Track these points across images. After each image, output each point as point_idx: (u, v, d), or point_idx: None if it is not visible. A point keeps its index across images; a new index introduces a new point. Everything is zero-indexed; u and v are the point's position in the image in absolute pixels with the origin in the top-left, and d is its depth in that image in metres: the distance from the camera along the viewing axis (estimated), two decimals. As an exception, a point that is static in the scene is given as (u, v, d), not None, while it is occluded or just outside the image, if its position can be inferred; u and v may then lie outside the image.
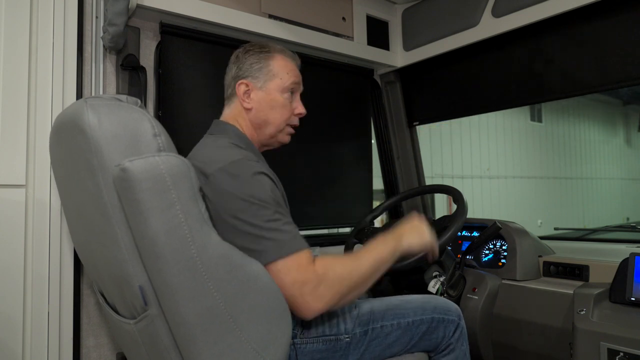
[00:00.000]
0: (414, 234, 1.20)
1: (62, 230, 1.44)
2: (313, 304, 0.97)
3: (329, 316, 1.16)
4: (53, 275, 1.42)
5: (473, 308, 1.53)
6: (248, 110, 1.22)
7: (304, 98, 1.32)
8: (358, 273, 1.04)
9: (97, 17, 1.55)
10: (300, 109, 1.27)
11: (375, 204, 2.13)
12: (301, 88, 1.29)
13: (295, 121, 1.28)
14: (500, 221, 1.69)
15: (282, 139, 1.28)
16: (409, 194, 1.90)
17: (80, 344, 1.49)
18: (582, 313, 1.27)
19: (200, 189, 0.90)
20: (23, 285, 1.37)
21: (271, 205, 0.98)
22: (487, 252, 1.78)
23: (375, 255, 1.09)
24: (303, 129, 1.35)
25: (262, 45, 1.25)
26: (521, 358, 1.50)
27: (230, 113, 1.24)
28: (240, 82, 1.21)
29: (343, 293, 1.01)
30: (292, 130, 1.29)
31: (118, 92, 1.59)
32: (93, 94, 1.52)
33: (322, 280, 0.97)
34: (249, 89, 1.21)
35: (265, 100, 1.21)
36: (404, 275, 1.67)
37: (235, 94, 1.22)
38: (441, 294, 1.52)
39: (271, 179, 1.04)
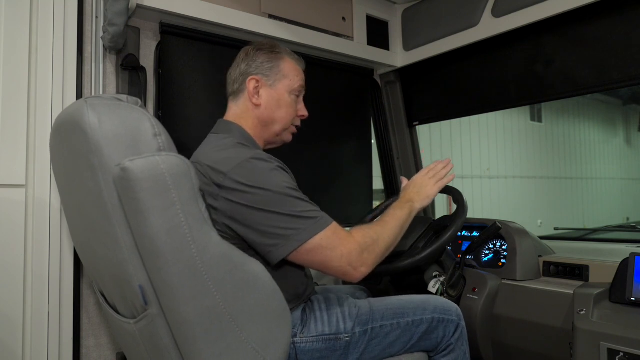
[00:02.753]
0: (421, 196, 1.33)
1: (62, 230, 1.44)
2: (361, 269, 1.08)
3: (328, 315, 1.16)
4: (53, 275, 1.42)
5: (473, 308, 1.53)
6: (257, 106, 1.24)
7: (304, 97, 1.34)
8: (388, 236, 1.17)
9: (97, 17, 1.55)
10: (303, 111, 1.33)
11: (375, 204, 2.13)
12: (304, 92, 1.34)
13: (298, 122, 1.34)
14: (500, 221, 1.69)
15: (285, 138, 1.33)
16: (409, 194, 1.90)
17: (80, 344, 1.49)
18: (582, 313, 1.27)
19: (201, 189, 0.90)
20: (23, 285, 1.37)
21: (296, 192, 1.06)
22: (487, 252, 1.78)
23: (397, 219, 1.22)
24: (303, 129, 1.36)
25: (273, 45, 1.29)
26: (521, 358, 1.50)
27: (237, 110, 1.27)
28: (251, 78, 1.24)
29: (380, 255, 1.13)
30: (295, 130, 1.34)
31: (118, 92, 1.59)
32: (93, 94, 1.52)
33: (364, 248, 1.08)
34: (258, 86, 1.24)
35: (274, 98, 1.25)
36: (404, 275, 1.67)
37: (244, 89, 1.25)
38: (441, 294, 1.52)
39: (286, 171, 1.11)
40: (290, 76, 1.26)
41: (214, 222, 1.03)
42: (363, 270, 1.08)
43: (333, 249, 1.04)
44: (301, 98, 1.33)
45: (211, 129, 1.28)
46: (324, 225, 1.04)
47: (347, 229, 1.12)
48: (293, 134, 1.35)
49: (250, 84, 1.24)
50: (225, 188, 1.03)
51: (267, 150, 1.31)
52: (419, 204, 1.31)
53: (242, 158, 1.06)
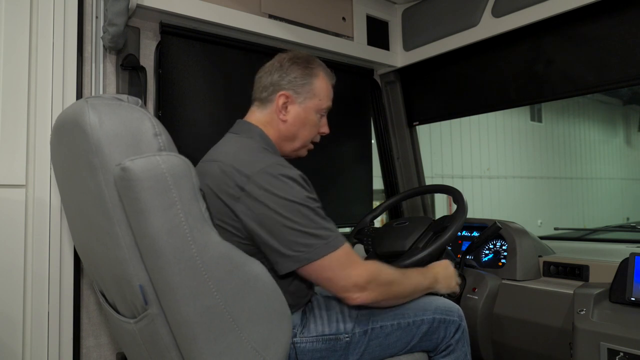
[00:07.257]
0: (446, 283, 1.32)
1: (62, 230, 1.44)
2: (363, 293, 1.05)
3: (328, 315, 1.16)
4: (53, 275, 1.42)
5: (473, 308, 1.53)
6: (283, 122, 1.23)
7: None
8: (401, 285, 1.15)
9: (97, 17, 1.55)
10: (325, 128, 1.32)
11: (375, 204, 2.13)
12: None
13: (317, 139, 1.33)
14: (500, 221, 1.69)
15: (301, 153, 1.32)
16: (409, 194, 1.90)
17: (80, 344, 1.49)
18: (582, 313, 1.27)
19: (201, 190, 0.90)
20: (23, 285, 1.37)
21: (315, 206, 1.05)
22: (487, 252, 1.78)
23: (416, 281, 1.21)
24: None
25: (308, 60, 1.26)
26: (521, 358, 1.50)
27: (262, 118, 1.24)
28: (281, 93, 1.21)
29: (385, 296, 1.11)
30: (312, 147, 1.33)
31: (118, 92, 1.59)
32: (93, 94, 1.52)
33: (372, 278, 1.06)
34: (287, 102, 1.22)
35: (300, 116, 1.24)
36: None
37: (273, 101, 1.22)
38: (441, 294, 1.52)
39: (308, 182, 1.09)
40: (320, 96, 1.25)
41: (228, 224, 1.05)
42: (365, 295, 1.05)
43: (343, 268, 1.03)
44: (325, 116, 1.31)
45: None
46: (335, 246, 1.02)
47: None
48: (309, 150, 1.34)
49: (280, 100, 1.21)
50: (247, 191, 1.02)
51: None
52: (439, 285, 1.29)
53: (267, 163, 1.05)
